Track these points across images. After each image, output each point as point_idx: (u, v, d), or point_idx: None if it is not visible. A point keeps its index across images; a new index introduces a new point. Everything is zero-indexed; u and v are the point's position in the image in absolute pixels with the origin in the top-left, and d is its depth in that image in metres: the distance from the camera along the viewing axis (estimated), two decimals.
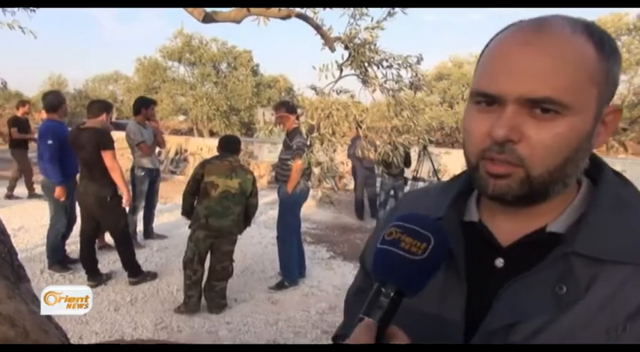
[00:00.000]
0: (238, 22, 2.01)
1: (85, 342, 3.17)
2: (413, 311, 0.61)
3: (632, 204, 0.59)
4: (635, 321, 0.53)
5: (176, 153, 11.26)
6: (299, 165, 3.85)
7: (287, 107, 4.20)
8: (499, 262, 0.63)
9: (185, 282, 3.67)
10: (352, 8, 2.13)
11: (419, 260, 0.53)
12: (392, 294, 0.53)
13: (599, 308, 0.54)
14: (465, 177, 0.66)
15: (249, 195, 3.71)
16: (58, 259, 4.47)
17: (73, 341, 3.12)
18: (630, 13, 14.16)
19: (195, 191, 3.68)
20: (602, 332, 0.53)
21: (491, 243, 0.64)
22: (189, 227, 3.70)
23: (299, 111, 4.04)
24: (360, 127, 2.53)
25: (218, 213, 3.58)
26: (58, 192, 4.25)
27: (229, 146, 3.81)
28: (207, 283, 3.73)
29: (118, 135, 5.09)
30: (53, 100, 4.41)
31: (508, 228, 0.63)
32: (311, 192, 4.25)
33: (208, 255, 3.72)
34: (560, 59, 0.53)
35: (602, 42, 0.55)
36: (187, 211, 3.78)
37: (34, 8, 2.49)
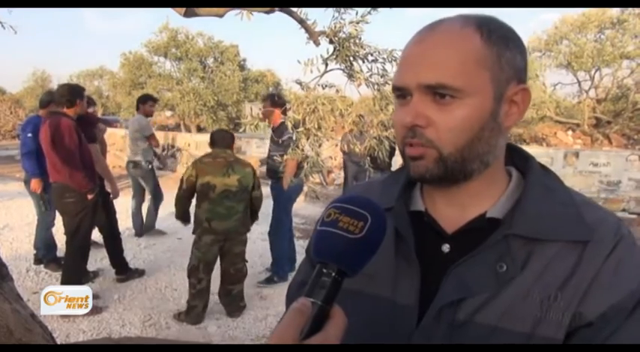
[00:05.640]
0: (221, 16, 2.00)
1: (72, 340, 3.15)
2: (367, 296, 0.68)
3: (554, 190, 0.68)
4: (565, 290, 0.60)
5: (163, 149, 11.17)
6: (295, 160, 3.78)
7: (272, 100, 4.03)
8: (445, 247, 0.68)
9: (189, 291, 3.45)
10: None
11: (356, 238, 0.54)
12: (333, 274, 0.53)
13: (534, 281, 0.61)
14: (407, 169, 0.69)
15: (251, 189, 3.51)
16: (54, 257, 4.39)
17: (60, 339, 3.10)
18: (614, 7, 14.28)
19: (190, 195, 3.47)
20: (537, 302, 0.60)
21: (437, 230, 0.70)
22: (193, 232, 3.49)
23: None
24: (347, 121, 2.52)
25: (221, 215, 3.37)
26: (34, 184, 4.19)
27: (222, 141, 3.55)
28: (222, 288, 3.56)
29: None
30: (43, 99, 4.37)
31: (450, 215, 0.70)
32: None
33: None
34: (448, 49, 0.61)
35: (490, 31, 0.62)
36: (181, 215, 3.65)
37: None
